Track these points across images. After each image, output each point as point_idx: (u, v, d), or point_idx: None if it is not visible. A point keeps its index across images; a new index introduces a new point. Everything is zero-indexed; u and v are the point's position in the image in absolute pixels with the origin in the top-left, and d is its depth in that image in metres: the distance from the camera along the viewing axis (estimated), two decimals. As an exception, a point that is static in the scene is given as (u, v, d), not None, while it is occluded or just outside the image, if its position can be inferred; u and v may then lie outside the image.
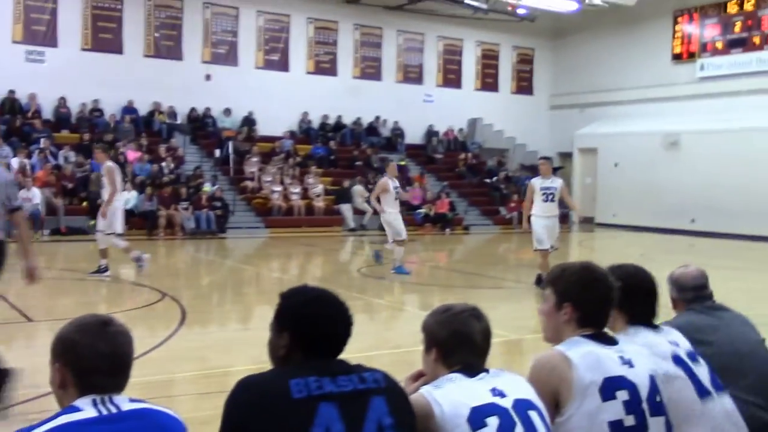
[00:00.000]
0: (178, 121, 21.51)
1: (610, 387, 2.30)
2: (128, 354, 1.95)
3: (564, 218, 11.10)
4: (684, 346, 2.76)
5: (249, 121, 22.22)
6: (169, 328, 7.30)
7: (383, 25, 24.67)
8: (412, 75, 25.50)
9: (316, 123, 23.68)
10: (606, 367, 2.34)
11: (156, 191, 18.00)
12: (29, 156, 17.95)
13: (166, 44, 21.49)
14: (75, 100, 20.04)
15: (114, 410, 1.83)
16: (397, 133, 24.60)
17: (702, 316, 3.21)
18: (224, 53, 22.30)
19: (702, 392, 2.65)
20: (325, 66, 23.91)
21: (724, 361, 2.89)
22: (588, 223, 24.41)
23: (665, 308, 3.08)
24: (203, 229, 18.03)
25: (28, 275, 4.80)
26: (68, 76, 19.56)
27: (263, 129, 22.32)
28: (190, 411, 4.49)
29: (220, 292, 10.91)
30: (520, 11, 23.85)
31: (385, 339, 7.48)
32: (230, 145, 20.86)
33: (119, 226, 10.68)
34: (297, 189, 20.35)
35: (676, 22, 24.03)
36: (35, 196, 16.46)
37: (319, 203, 20.33)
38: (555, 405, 2.30)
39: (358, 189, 20.84)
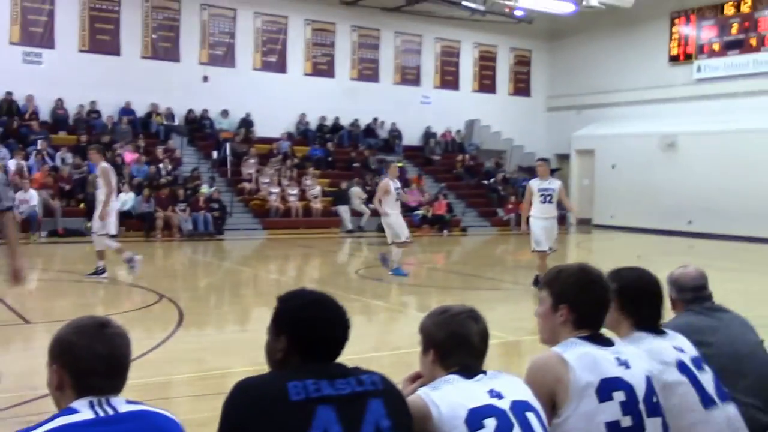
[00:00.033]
0: (176, 123, 21.50)
1: (606, 388, 2.31)
2: (126, 356, 1.95)
3: (562, 220, 11.11)
4: (690, 352, 2.74)
5: (246, 123, 22.21)
6: (167, 329, 7.30)
7: (381, 27, 24.69)
8: (409, 76, 25.52)
9: (313, 124, 23.69)
10: (602, 368, 2.34)
11: (153, 193, 17.99)
12: (26, 158, 17.93)
13: (163, 46, 21.48)
14: (72, 101, 20.03)
15: (111, 412, 1.83)
16: (395, 134, 24.61)
17: (701, 317, 3.20)
18: (222, 55, 22.30)
19: (706, 401, 2.63)
20: (323, 67, 23.92)
21: (724, 363, 2.88)
22: (585, 224, 24.43)
23: (665, 309, 3.07)
24: (201, 230, 18.01)
25: (13, 277, 4.78)
26: (65, 78, 19.54)
27: (261, 130, 22.32)
28: (188, 413, 4.48)
29: (217, 293, 10.90)
30: (518, 13, 23.89)
31: (382, 340, 7.48)
32: (228, 146, 20.86)
33: (113, 227, 10.66)
34: (294, 190, 20.34)
35: (673, 24, 24.07)
36: (32, 197, 16.44)
37: (317, 205, 20.33)
38: (552, 406, 2.31)
39: (356, 190, 20.85)
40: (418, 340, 2.33)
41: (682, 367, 2.65)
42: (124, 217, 17.37)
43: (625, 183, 23.48)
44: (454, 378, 2.17)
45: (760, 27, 21.94)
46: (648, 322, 2.77)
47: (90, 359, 1.87)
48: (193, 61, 21.75)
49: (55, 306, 9.00)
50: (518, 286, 11.16)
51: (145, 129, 20.89)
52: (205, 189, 18.98)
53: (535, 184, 10.61)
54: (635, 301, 2.76)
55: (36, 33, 19.73)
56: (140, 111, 21.11)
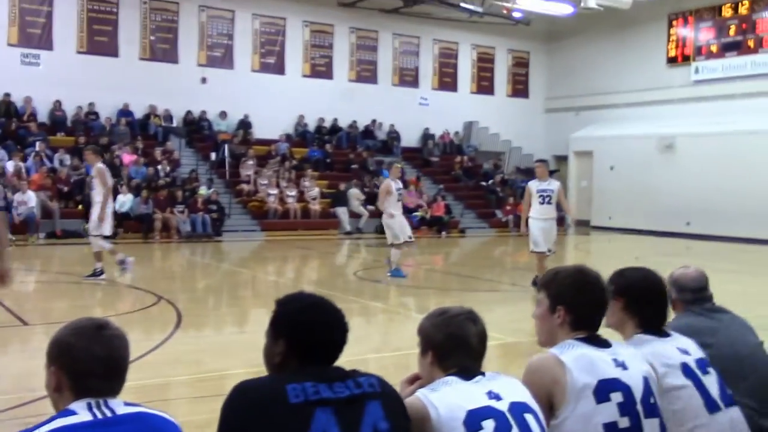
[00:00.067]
0: (174, 124, 21.50)
1: (604, 389, 2.31)
2: (124, 357, 1.95)
3: (560, 221, 11.13)
4: (695, 354, 2.73)
5: (245, 124, 22.21)
6: (165, 331, 7.29)
7: (379, 29, 24.70)
8: (407, 78, 25.53)
9: (312, 126, 23.69)
10: (600, 369, 2.34)
11: (152, 194, 17.98)
12: (24, 159, 17.92)
13: (161, 47, 21.48)
14: (70, 103, 20.02)
15: (109, 414, 1.82)
16: (393, 136, 24.62)
17: (701, 318, 3.19)
18: (220, 56, 22.30)
19: (710, 405, 2.62)
20: (321, 69, 23.93)
21: (724, 364, 2.86)
22: (583, 226, 24.45)
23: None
24: (199, 232, 18.00)
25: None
26: (64, 79, 19.53)
27: (259, 132, 22.32)
28: (186, 415, 4.48)
29: (215, 295, 10.90)
30: (516, 15, 23.92)
31: (381, 342, 7.48)
32: (226, 148, 20.85)
33: (107, 228, 10.64)
34: (293, 192, 20.34)
35: (671, 26, 24.10)
36: (30, 199, 16.42)
37: (315, 206, 20.32)
38: (549, 408, 2.31)
39: (354, 192, 20.85)
40: (417, 342, 2.33)
41: (686, 370, 2.64)
42: (123, 218, 17.40)
43: (623, 184, 23.50)
44: (453, 379, 2.17)
45: (757, 29, 21.98)
46: (652, 322, 2.76)
47: (88, 361, 1.86)
48: (191, 63, 21.76)
49: (54, 307, 9.00)
50: (516, 287, 11.16)
51: (144, 130, 20.89)
52: (203, 190, 18.97)
53: (534, 185, 10.65)
54: (639, 301, 2.75)
55: (34, 34, 19.72)
56: (138, 112, 21.10)
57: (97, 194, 10.51)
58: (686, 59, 23.66)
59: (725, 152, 20.77)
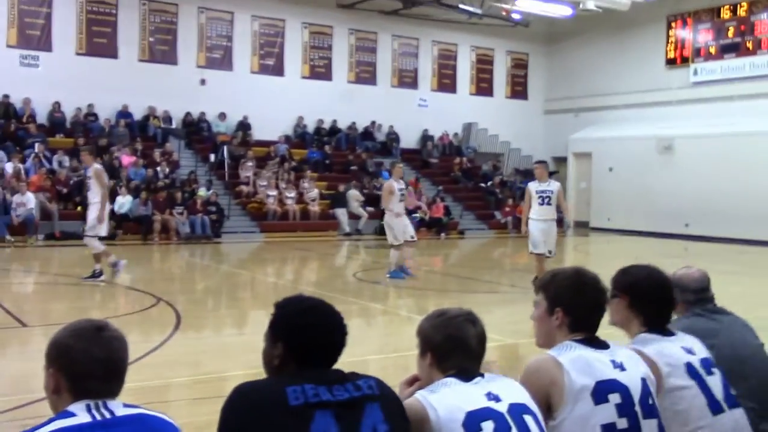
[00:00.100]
0: (173, 126, 21.49)
1: (602, 390, 2.31)
2: (123, 359, 1.94)
3: (559, 222, 11.14)
4: (699, 353, 2.71)
5: (244, 126, 22.21)
6: (164, 333, 7.29)
7: (378, 30, 24.71)
8: (407, 80, 25.55)
9: (311, 127, 23.69)
10: (598, 370, 2.35)
11: (151, 196, 17.97)
12: (23, 160, 17.91)
13: (160, 49, 21.49)
14: (69, 104, 20.02)
15: (108, 415, 1.82)
16: (392, 137, 24.62)
17: (702, 319, 3.17)
18: (219, 58, 22.30)
19: (714, 406, 2.60)
20: (320, 71, 23.94)
21: (725, 366, 2.83)
22: (582, 227, 24.46)
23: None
24: (198, 233, 17.99)
25: None
26: (63, 81, 19.53)
27: (258, 133, 22.32)
28: (186, 416, 4.47)
29: (215, 297, 10.90)
30: (515, 16, 23.94)
31: (380, 343, 7.48)
32: (225, 149, 20.85)
33: (104, 229, 10.62)
34: (292, 193, 20.33)
35: (669, 27, 24.13)
36: (29, 200, 16.41)
37: (315, 208, 20.32)
38: (547, 409, 2.31)
39: (354, 193, 20.85)
40: (416, 343, 2.33)
41: (690, 370, 2.63)
42: (122, 220, 17.41)
43: (622, 186, 23.52)
44: (452, 381, 2.17)
45: (756, 30, 22.00)
46: (657, 320, 2.75)
47: (87, 362, 1.86)
48: (190, 64, 21.76)
49: (52, 309, 8.99)
50: (516, 288, 11.16)
51: (143, 132, 20.89)
52: (202, 192, 18.97)
53: (533, 187, 10.67)
54: (644, 299, 2.74)
55: (33, 36, 19.72)
56: (137, 114, 21.10)
57: (95, 195, 10.50)
58: (685, 61, 23.68)
59: (724, 154, 20.79)
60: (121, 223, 17.36)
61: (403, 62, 25.49)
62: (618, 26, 24.39)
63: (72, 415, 1.80)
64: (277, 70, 23.13)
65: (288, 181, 20.70)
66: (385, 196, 11.72)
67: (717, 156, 20.97)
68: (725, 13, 22.71)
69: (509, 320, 7.92)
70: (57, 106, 19.84)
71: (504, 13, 23.55)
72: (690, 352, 2.69)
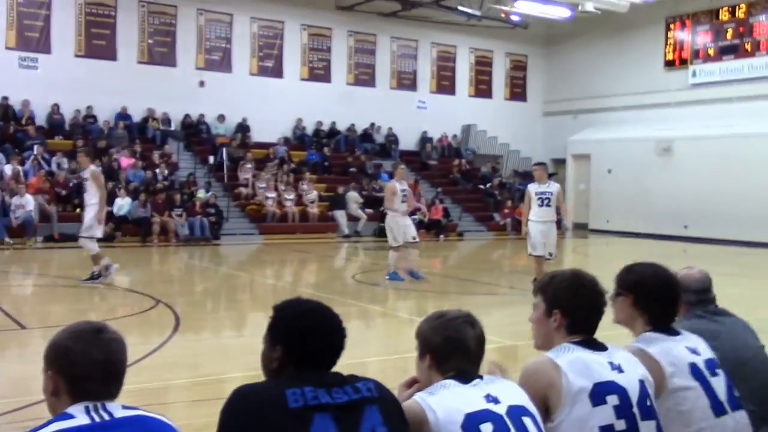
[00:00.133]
0: (172, 128, 21.49)
1: (600, 392, 2.31)
2: (122, 361, 1.94)
3: (557, 224, 11.14)
4: (704, 354, 2.69)
5: (243, 128, 22.21)
6: (163, 335, 7.28)
7: (377, 32, 24.73)
8: (405, 81, 25.56)
9: (310, 129, 23.69)
10: (595, 372, 2.34)
11: (150, 198, 17.97)
12: (22, 162, 17.91)
13: (159, 51, 21.49)
14: (68, 106, 20.01)
15: (107, 417, 1.82)
16: (391, 139, 24.63)
17: (704, 321, 3.14)
18: (218, 60, 22.31)
19: (717, 408, 2.58)
20: (319, 72, 23.95)
21: (726, 368, 2.81)
22: (581, 229, 24.47)
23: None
24: (197, 235, 17.99)
25: None
26: (62, 83, 19.53)
27: (257, 135, 22.32)
28: (184, 418, 4.47)
29: (214, 299, 10.89)
30: (514, 18, 23.96)
31: (379, 346, 7.47)
32: (224, 151, 20.85)
33: (100, 230, 10.60)
34: (291, 195, 20.33)
35: (668, 29, 24.16)
36: (28, 202, 16.41)
37: (314, 210, 20.32)
38: (545, 411, 2.31)
39: (353, 195, 20.85)
40: (415, 345, 2.34)
41: (694, 371, 2.61)
42: (121, 221, 17.41)
43: (621, 187, 23.53)
44: (451, 383, 2.17)
45: (755, 32, 22.03)
46: (662, 319, 2.73)
47: (86, 364, 1.86)
48: (189, 66, 21.76)
49: (51, 311, 8.98)
50: (515, 290, 11.16)
51: (142, 134, 20.89)
52: (201, 194, 18.97)
53: (532, 188, 10.69)
54: (648, 297, 2.72)
55: (32, 38, 19.73)
56: (136, 116, 21.10)
57: (92, 196, 10.48)
58: (684, 62, 23.70)
59: (723, 155, 20.80)
60: (120, 225, 17.37)
61: (402, 64, 25.51)
62: (617, 28, 24.42)
63: (71, 417, 1.80)
64: (276, 71, 23.15)
65: (287, 183, 20.70)
66: (387, 197, 11.72)
67: (716, 157, 20.99)
68: (724, 15, 22.74)
69: (508, 322, 7.91)
70: (56, 108, 19.84)
71: (503, 15, 23.58)
72: (694, 352, 2.67)
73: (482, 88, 27.11)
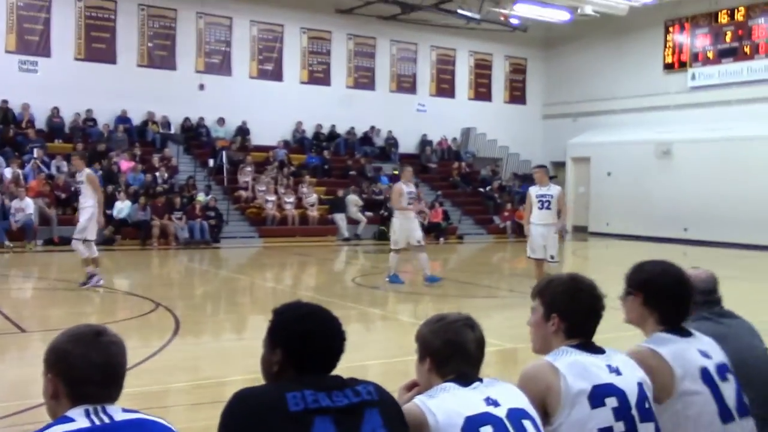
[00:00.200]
0: (172, 131, 21.50)
1: (599, 394, 2.31)
2: (121, 364, 1.94)
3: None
4: (716, 358, 2.64)
5: (243, 131, 22.22)
6: (163, 338, 7.28)
7: (377, 35, 24.75)
8: (405, 84, 25.58)
9: (309, 132, 23.71)
10: (594, 375, 2.34)
11: (149, 201, 17.97)
12: (22, 166, 17.91)
13: (159, 54, 21.51)
14: (68, 109, 20.03)
15: (107, 420, 1.82)
16: (391, 142, 24.64)
17: (709, 323, 3.06)
18: (218, 63, 22.33)
19: (725, 415, 2.54)
20: (319, 76, 23.97)
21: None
22: (581, 232, 24.47)
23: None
24: (197, 238, 17.99)
25: None
26: (61, 86, 19.54)
27: (257, 138, 22.34)
28: (184, 421, 4.47)
29: (213, 302, 10.89)
30: (513, 21, 23.99)
31: (379, 349, 7.47)
32: (224, 154, 20.86)
33: (91, 233, 10.59)
34: (291, 198, 20.33)
35: (667, 32, 24.18)
36: (28, 206, 16.41)
37: (313, 213, 20.33)
38: (544, 414, 2.30)
39: (352, 198, 20.86)
40: (415, 348, 2.34)
41: (705, 375, 2.57)
42: (121, 225, 17.41)
43: (620, 190, 23.54)
44: (451, 386, 2.17)
45: (753, 35, 22.06)
46: (673, 318, 2.69)
47: (85, 368, 1.86)
48: (189, 70, 21.78)
49: (51, 314, 8.98)
50: (514, 293, 11.15)
51: (141, 137, 20.90)
52: (201, 197, 18.97)
53: (533, 191, 10.70)
54: (658, 295, 2.68)
55: (32, 41, 19.74)
56: (136, 119, 21.12)
57: (87, 199, 10.48)
58: (683, 65, 23.73)
59: (722, 158, 20.82)
60: (120, 228, 17.37)
61: (402, 67, 25.53)
62: (616, 31, 24.45)
63: (71, 420, 1.80)
64: (276, 75, 23.16)
65: (287, 186, 20.70)
66: (394, 198, 11.70)
67: (715, 160, 21.00)
68: (723, 18, 22.78)
69: (508, 325, 7.91)
70: (56, 111, 19.85)
71: (502, 18, 23.61)
72: (706, 355, 2.63)
73: (482, 91, 27.13)
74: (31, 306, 10.01)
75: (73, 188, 17.76)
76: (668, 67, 24.15)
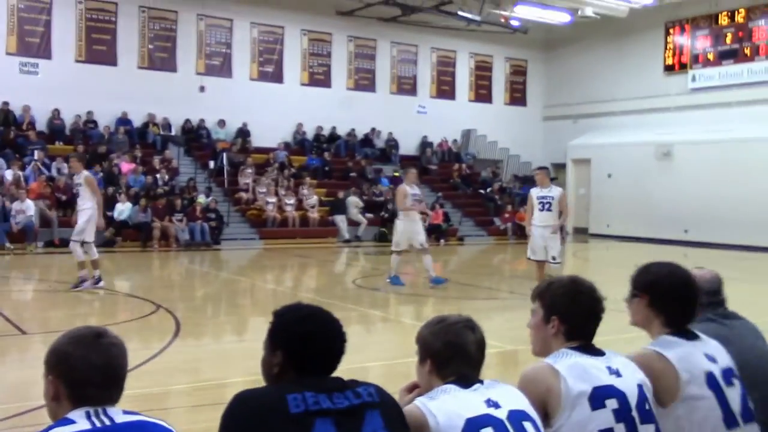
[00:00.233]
0: (173, 133, 21.52)
1: (599, 396, 2.31)
2: (122, 366, 1.95)
3: (560, 228, 11.12)
4: (722, 362, 2.62)
5: (243, 133, 22.23)
6: (164, 340, 7.28)
7: (377, 37, 24.77)
8: (406, 86, 25.59)
9: (310, 134, 23.72)
10: (594, 376, 2.34)
11: (150, 203, 17.98)
12: (23, 168, 17.92)
13: (160, 56, 21.53)
14: (69, 111, 20.04)
15: (108, 422, 1.82)
16: (392, 144, 24.65)
17: (714, 325, 3.03)
18: (218, 65, 22.34)
19: (729, 420, 2.53)
20: (320, 77, 23.98)
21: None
22: (581, 233, 24.47)
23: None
24: (198, 240, 17.99)
25: None
26: (62, 88, 19.56)
27: (257, 140, 22.35)
28: (185, 423, 4.47)
29: (214, 303, 10.89)
30: (513, 23, 24.01)
31: (380, 350, 7.46)
32: (224, 156, 20.87)
33: (89, 235, 10.60)
34: (291, 200, 20.34)
35: (667, 34, 24.19)
36: (29, 207, 16.42)
37: (314, 214, 20.33)
38: (544, 416, 2.30)
39: (353, 200, 20.86)
40: (415, 350, 2.34)
41: (710, 380, 2.55)
42: (121, 226, 17.41)
43: (621, 192, 23.54)
44: (451, 388, 2.17)
45: (754, 37, 22.07)
46: (679, 320, 2.67)
47: (86, 369, 1.86)
48: (189, 71, 21.79)
49: (52, 316, 8.98)
50: (515, 295, 11.14)
51: (142, 139, 20.91)
52: (201, 199, 18.98)
53: (534, 192, 10.72)
54: (664, 297, 2.67)
55: (33, 43, 19.76)
56: (137, 121, 21.13)
57: (85, 201, 10.48)
58: (683, 67, 23.74)
59: (722, 160, 20.83)
60: (121, 230, 17.38)
61: (402, 69, 25.54)
62: (616, 33, 24.46)
63: (71, 422, 1.80)
64: (277, 77, 23.18)
65: (287, 188, 20.71)
66: (399, 200, 11.69)
67: (715, 162, 21.01)
68: (723, 20, 22.79)
69: (509, 326, 7.90)
70: (56, 113, 19.86)
71: (502, 20, 23.63)
72: (712, 360, 2.61)
73: (482, 92, 27.14)
74: (31, 308, 10.01)
75: (74, 190, 17.81)
76: (668, 68, 24.16)
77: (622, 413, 2.31)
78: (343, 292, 11.89)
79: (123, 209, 17.62)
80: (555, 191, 10.65)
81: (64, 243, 16.44)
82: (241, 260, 17.19)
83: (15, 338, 7.53)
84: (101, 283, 10.58)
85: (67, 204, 17.61)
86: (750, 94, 21.50)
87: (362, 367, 5.85)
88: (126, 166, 19.25)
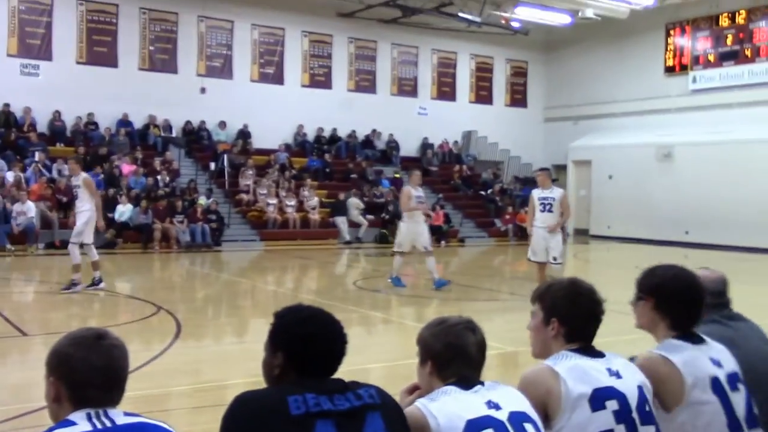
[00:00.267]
0: (173, 134, 21.53)
1: (599, 397, 2.31)
2: (123, 367, 1.95)
3: (562, 230, 11.12)
4: (727, 366, 2.61)
5: (244, 134, 22.24)
6: (165, 341, 7.28)
7: (378, 39, 24.78)
8: (406, 88, 25.60)
9: (311, 136, 23.72)
10: (594, 378, 2.34)
11: (151, 204, 17.98)
12: (24, 169, 17.93)
13: (160, 57, 21.54)
14: (70, 113, 20.05)
15: (109, 424, 1.82)
16: (392, 145, 24.66)
17: (718, 326, 3.01)
18: (219, 66, 22.36)
19: (733, 426, 2.52)
20: (320, 79, 23.99)
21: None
22: (582, 235, 24.47)
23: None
24: (198, 242, 18.00)
25: None
26: (63, 90, 19.57)
27: (258, 142, 22.35)
28: (186, 425, 4.48)
29: (215, 305, 10.89)
30: (514, 24, 24.01)
31: (380, 352, 7.46)
32: (225, 158, 20.87)
33: (88, 236, 10.59)
34: (292, 202, 20.35)
35: (668, 35, 24.20)
36: (30, 209, 16.42)
37: (315, 216, 20.33)
38: (544, 418, 2.30)
39: (354, 201, 20.86)
40: (416, 352, 2.34)
41: (715, 385, 2.53)
42: (122, 228, 17.42)
43: (621, 193, 23.54)
44: (452, 389, 2.17)
45: (754, 38, 22.07)
46: (685, 323, 2.65)
47: (86, 371, 1.86)
48: (190, 73, 21.80)
49: (53, 318, 8.99)
50: (516, 296, 11.14)
51: (143, 141, 20.92)
52: (202, 200, 18.98)
53: (535, 194, 10.73)
54: (670, 300, 2.65)
55: (33, 45, 19.78)
56: (138, 123, 21.14)
57: (84, 203, 10.50)
58: (684, 68, 23.74)
59: (723, 161, 20.82)
60: (122, 232, 17.38)
61: (403, 70, 25.55)
62: (617, 34, 24.46)
63: (72, 423, 1.80)
64: (277, 78, 23.19)
65: (288, 190, 20.72)
66: (403, 201, 11.70)
67: (716, 163, 21.00)
68: (724, 21, 22.79)
69: (509, 328, 7.90)
70: (57, 115, 19.87)
71: (503, 22, 23.63)
72: (718, 364, 2.60)
73: (483, 94, 27.14)
74: (32, 309, 10.01)
75: (73, 192, 17.81)
76: (669, 70, 24.16)
77: (623, 415, 2.31)
78: (343, 293, 11.89)
79: (124, 211, 17.62)
80: (556, 192, 10.66)
81: (65, 244, 16.34)
82: (242, 262, 17.20)
83: (16, 340, 7.53)
84: (102, 285, 10.59)
85: (67, 206, 17.59)
86: (751, 96, 21.50)
87: (363, 368, 5.85)
88: (127, 168, 19.25)
